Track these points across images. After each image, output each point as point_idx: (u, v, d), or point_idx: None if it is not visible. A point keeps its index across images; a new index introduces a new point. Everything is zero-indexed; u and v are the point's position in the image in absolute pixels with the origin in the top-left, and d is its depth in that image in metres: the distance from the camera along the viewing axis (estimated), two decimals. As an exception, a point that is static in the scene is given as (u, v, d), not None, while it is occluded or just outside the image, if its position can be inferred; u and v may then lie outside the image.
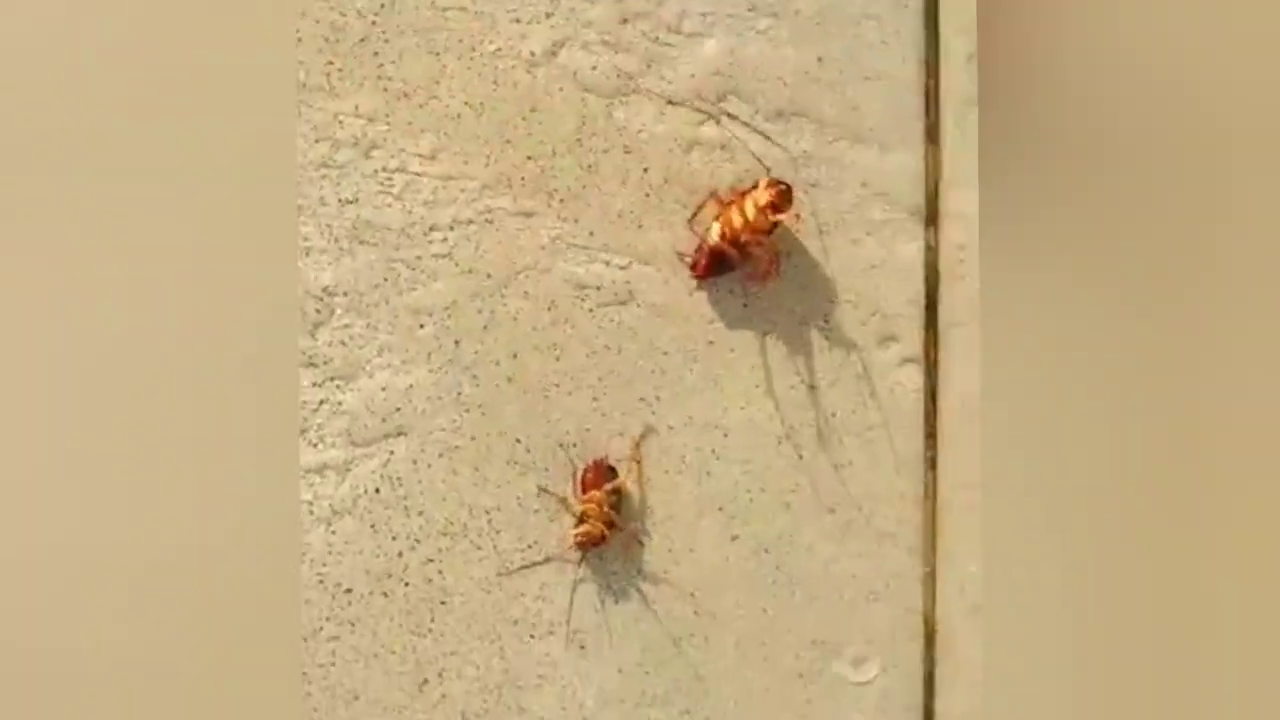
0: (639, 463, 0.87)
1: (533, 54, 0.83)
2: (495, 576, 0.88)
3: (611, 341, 0.86)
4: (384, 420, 0.87)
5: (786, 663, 0.89)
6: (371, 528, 0.88)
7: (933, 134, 0.83)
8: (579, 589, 0.88)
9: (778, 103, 0.83)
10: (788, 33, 0.83)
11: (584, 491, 0.86)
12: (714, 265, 0.84)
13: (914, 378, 0.86)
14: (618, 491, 0.86)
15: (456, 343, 0.86)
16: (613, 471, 0.86)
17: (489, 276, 0.85)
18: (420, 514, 0.87)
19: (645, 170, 0.84)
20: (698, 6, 0.83)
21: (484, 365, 0.86)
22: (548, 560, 0.87)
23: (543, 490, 0.87)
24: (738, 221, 0.82)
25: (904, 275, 0.85)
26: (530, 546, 0.88)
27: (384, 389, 0.86)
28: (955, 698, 0.88)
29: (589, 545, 0.86)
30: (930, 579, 0.88)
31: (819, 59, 0.83)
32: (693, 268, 0.85)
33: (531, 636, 0.88)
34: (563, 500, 0.87)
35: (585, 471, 0.86)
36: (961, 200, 0.84)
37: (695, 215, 0.84)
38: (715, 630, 0.88)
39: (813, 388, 0.86)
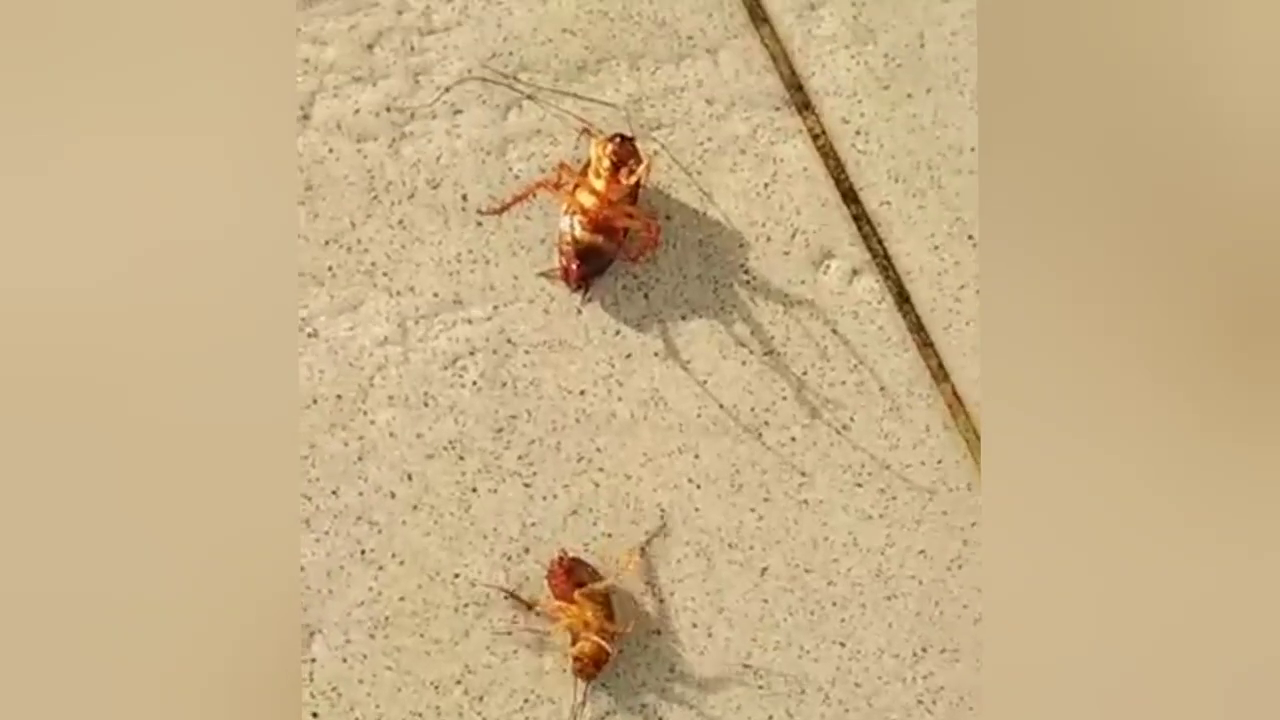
0: (642, 554, 0.67)
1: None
2: (503, 756, 0.66)
3: (514, 407, 0.68)
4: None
5: (890, 672, 0.68)
6: (326, 765, 0.66)
7: (757, 12, 0.69)
8: (609, 721, 0.67)
9: (575, 56, 0.69)
10: (550, -20, 0.69)
11: (559, 602, 0.66)
12: (587, 264, 0.67)
13: (872, 287, 0.69)
14: (600, 591, 0.66)
15: (334, 492, 0.67)
16: (581, 565, 0.67)
17: (338, 398, 0.68)
18: (379, 720, 0.67)
19: (464, 197, 0.69)
20: (441, -2, 0.69)
21: (377, 504, 0.67)
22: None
23: (512, 625, 0.67)
24: (589, 202, 0.67)
25: (803, 178, 0.69)
26: (527, 701, 0.67)
27: (271, 586, 0.67)
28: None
29: (594, 667, 0.66)
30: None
31: (597, -10, 0.69)
32: (566, 279, 0.68)
33: (579, 810, 0.67)
34: (536, 628, 0.67)
35: (548, 578, 0.67)
36: (827, 68, 0.69)
37: (507, 209, 0.68)
38: (787, 688, 0.67)
39: (769, 353, 0.69)
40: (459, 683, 0.67)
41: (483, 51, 0.69)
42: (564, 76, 0.69)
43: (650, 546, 0.68)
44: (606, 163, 0.66)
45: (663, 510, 0.68)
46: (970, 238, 0.69)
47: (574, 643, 0.66)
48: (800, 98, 0.69)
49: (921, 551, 0.68)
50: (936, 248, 0.69)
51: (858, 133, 0.69)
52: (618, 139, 0.66)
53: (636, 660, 0.67)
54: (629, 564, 0.67)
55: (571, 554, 0.67)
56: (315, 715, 0.66)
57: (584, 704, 0.66)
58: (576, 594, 0.66)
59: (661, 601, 0.68)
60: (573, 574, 0.66)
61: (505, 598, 0.67)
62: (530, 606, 0.67)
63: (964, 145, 0.70)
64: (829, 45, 0.70)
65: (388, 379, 0.68)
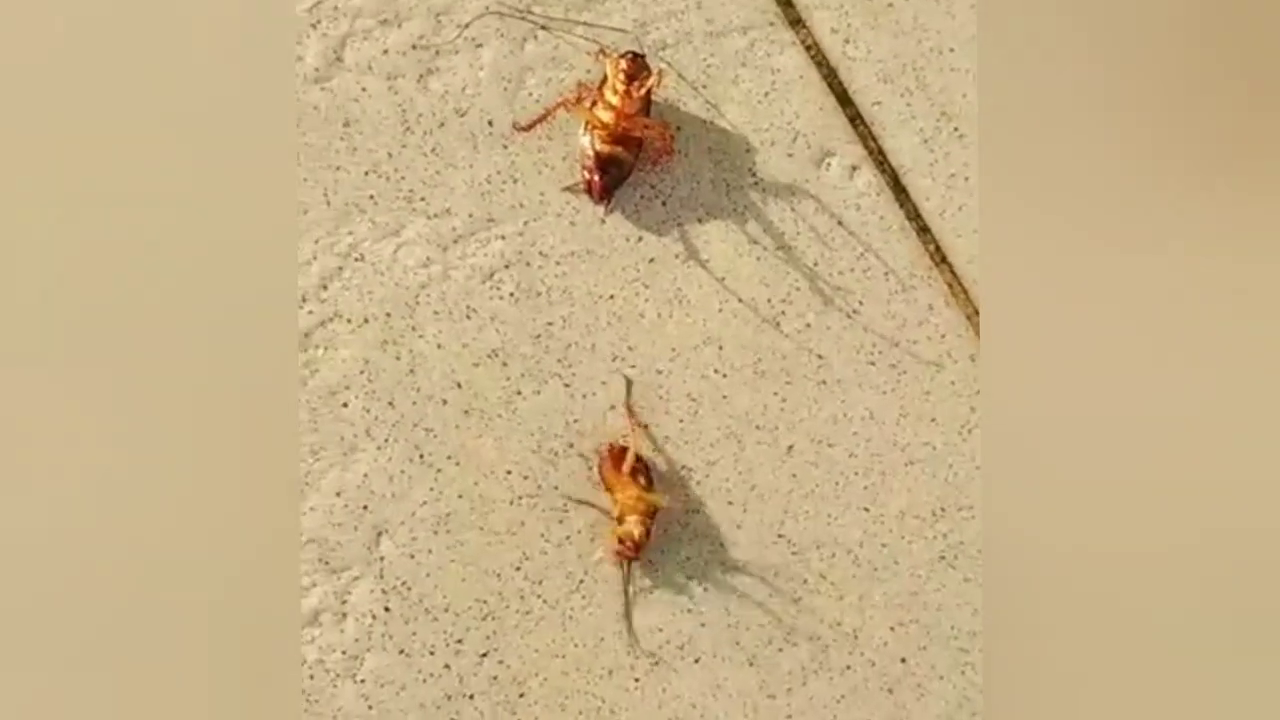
0: (636, 422, 0.73)
1: (316, 69, 0.74)
2: (563, 640, 0.72)
3: (550, 314, 0.73)
4: (355, 529, 0.72)
5: (913, 532, 0.74)
6: (401, 654, 0.71)
7: (749, -67, 0.75)
8: (654, 599, 0.73)
9: (582, -13, 0.75)
10: (554, -81, 0.75)
11: (608, 489, 0.72)
12: (609, 175, 0.73)
13: (870, 181, 0.75)
14: (640, 470, 0.72)
15: (390, 403, 0.73)
16: (624, 451, 0.72)
17: (388, 316, 0.73)
18: (446, 610, 0.72)
19: (490, 123, 0.74)
20: (454, -56, 0.75)
21: (431, 411, 0.72)
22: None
23: (563, 514, 0.73)
24: (607, 116, 0.72)
25: (801, 85, 0.75)
26: (582, 582, 0.72)
27: (339, 493, 0.72)
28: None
29: (635, 548, 0.71)
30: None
31: (598, -75, 0.75)
32: (589, 192, 0.73)
33: (636, 681, 0.72)
34: (594, 504, 0.72)
35: (599, 467, 0.72)
36: (815, -17, 0.75)
37: (534, 126, 0.73)
38: (818, 552, 0.73)
39: (780, 248, 0.74)
40: (518, 569, 0.72)
41: (497, -12, 0.74)
42: (574, 7, 0.75)
43: (695, 443, 0.73)
44: (620, 77, 0.72)
45: (629, 381, 0.73)
46: (956, 129, 0.75)
47: (620, 525, 0.71)
48: (791, 13, 0.75)
49: (933, 419, 0.74)
50: (926, 141, 0.75)
51: (846, 41, 0.75)
52: (630, 55, 0.72)
53: (679, 538, 0.73)
54: (633, 427, 0.72)
55: (621, 443, 0.72)
56: (388, 609, 0.72)
57: (629, 579, 0.72)
58: (623, 472, 0.71)
59: (698, 483, 0.73)
60: (616, 458, 0.72)
61: (564, 509, 0.72)
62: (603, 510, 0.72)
63: (944, 46, 0.76)
64: (814, -37, 0.76)
65: (431, 296, 0.73)
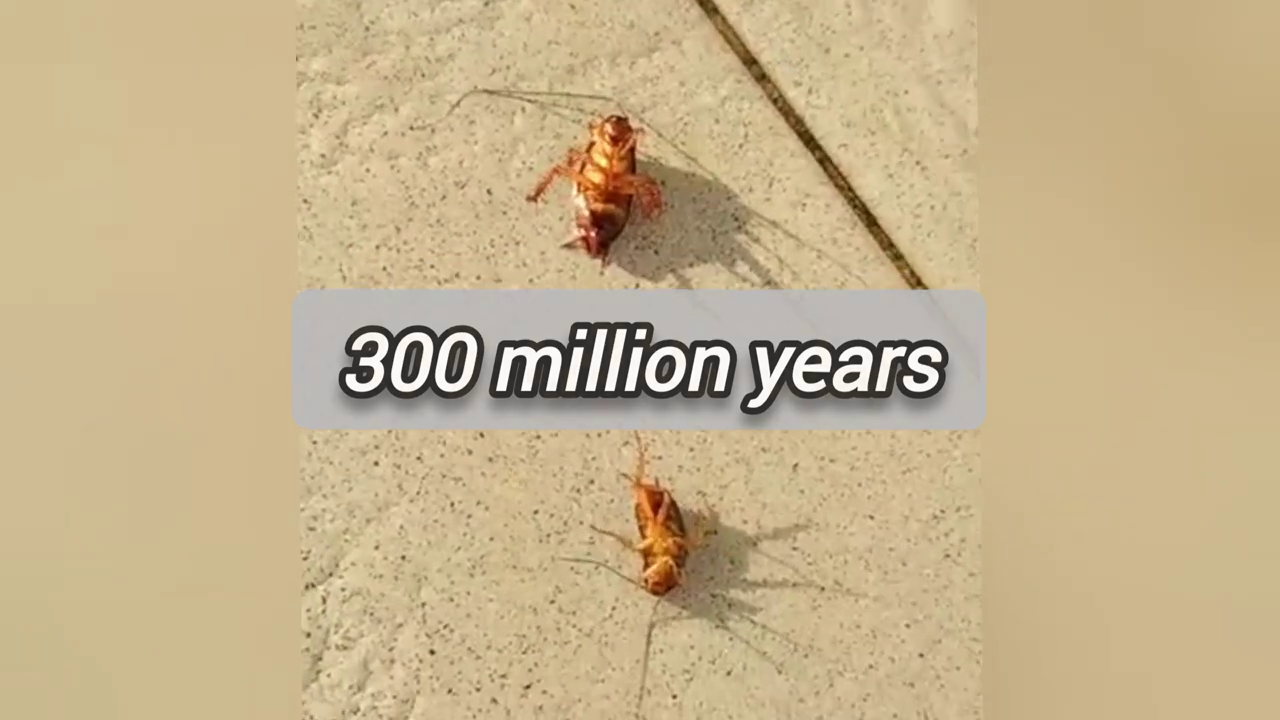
0: (644, 462, 0.77)
1: (322, 155, 0.79)
2: (601, 665, 0.76)
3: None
4: (396, 579, 0.76)
5: (917, 534, 0.79)
6: (450, 693, 0.75)
7: (707, 4, 0.82)
8: (684, 617, 0.77)
9: (563, 62, 0.81)
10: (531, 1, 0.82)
11: (641, 529, 0.77)
12: (604, 231, 0.79)
13: (843, 216, 0.81)
14: (671, 516, 0.76)
15: (419, 458, 0.77)
16: (660, 497, 0.77)
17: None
18: (488, 648, 0.76)
19: (489, 193, 0.80)
20: (440, 29, 0.81)
21: (458, 460, 0.77)
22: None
23: (590, 547, 0.77)
24: (598, 177, 0.78)
25: (771, 135, 0.82)
26: (614, 609, 0.77)
27: (377, 547, 0.76)
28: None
29: (665, 586, 0.76)
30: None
31: (572, 6, 0.82)
32: (587, 248, 0.79)
33: (674, 698, 0.76)
34: (617, 535, 0.77)
35: (635, 508, 0.77)
36: (774, 42, 0.82)
37: (539, 193, 0.79)
38: (832, 561, 0.78)
39: (768, 283, 0.80)
40: (553, 602, 0.76)
41: (484, 69, 0.81)
42: (557, 80, 0.81)
43: (703, 459, 0.78)
44: (607, 140, 0.78)
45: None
46: (918, 163, 0.82)
47: (645, 566, 0.76)
48: (757, 70, 0.82)
49: (926, 430, 0.80)
50: (890, 176, 0.82)
51: (809, 92, 0.82)
52: (614, 119, 0.78)
53: (700, 558, 0.78)
54: (642, 467, 0.77)
55: (658, 489, 0.77)
56: (432, 652, 0.76)
57: (655, 609, 0.76)
58: (659, 520, 0.75)
59: (712, 506, 0.78)
60: (656, 506, 0.76)
61: (601, 533, 0.77)
62: (626, 543, 0.76)
63: (898, 89, 0.83)
64: (774, 23, 0.83)
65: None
